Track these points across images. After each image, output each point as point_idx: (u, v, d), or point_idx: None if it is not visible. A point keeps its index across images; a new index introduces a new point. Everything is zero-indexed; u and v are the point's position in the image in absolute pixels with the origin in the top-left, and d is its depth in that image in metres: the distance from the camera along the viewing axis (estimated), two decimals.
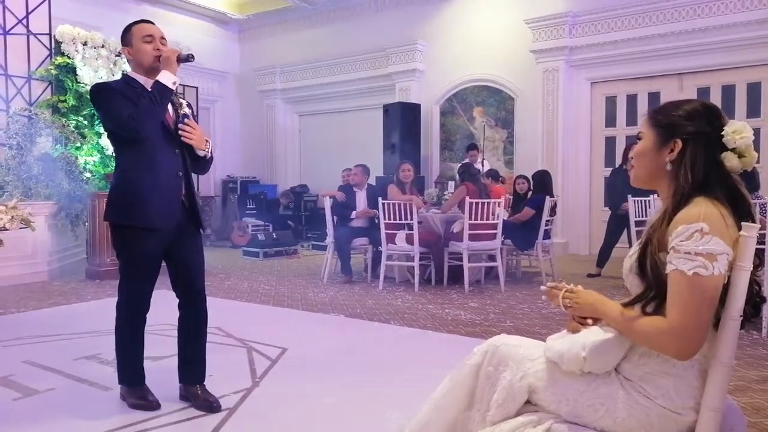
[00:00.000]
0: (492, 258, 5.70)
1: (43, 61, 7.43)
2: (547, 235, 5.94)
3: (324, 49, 10.29)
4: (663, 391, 1.32)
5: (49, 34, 7.40)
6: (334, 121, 10.68)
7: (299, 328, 4.13)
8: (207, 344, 2.73)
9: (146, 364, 2.86)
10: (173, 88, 2.44)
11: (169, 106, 2.52)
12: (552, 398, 1.42)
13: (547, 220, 5.82)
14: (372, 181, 6.86)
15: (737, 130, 1.32)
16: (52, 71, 7.19)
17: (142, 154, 2.41)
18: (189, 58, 2.53)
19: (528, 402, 1.46)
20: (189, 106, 2.63)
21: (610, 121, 8.10)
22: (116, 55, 7.32)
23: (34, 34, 7.47)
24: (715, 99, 7.09)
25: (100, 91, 2.44)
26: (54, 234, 6.43)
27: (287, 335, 3.76)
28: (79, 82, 7.13)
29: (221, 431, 2.32)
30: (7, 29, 7.30)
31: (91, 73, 7.03)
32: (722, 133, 1.33)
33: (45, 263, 6.14)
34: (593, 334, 1.39)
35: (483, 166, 7.62)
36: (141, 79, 2.48)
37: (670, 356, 1.29)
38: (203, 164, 2.62)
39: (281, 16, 10.67)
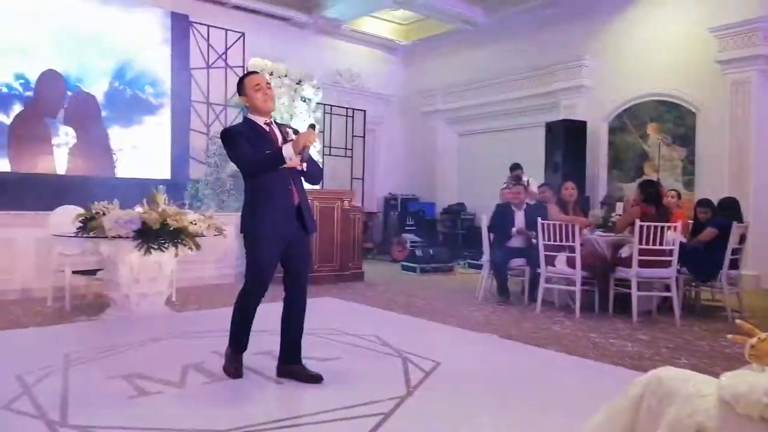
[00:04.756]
0: (666, 287, 5.22)
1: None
2: (734, 265, 5.28)
3: (485, 68, 10.32)
4: None
5: (243, 66, 8.44)
6: (493, 140, 10.62)
7: (453, 344, 4.16)
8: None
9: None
10: (286, 161, 2.88)
11: (279, 136, 3.08)
12: None
13: (734, 249, 5.18)
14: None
15: None
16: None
17: (261, 180, 2.99)
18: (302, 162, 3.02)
19: None
20: (295, 132, 3.13)
21: None
22: (297, 83, 8.09)
23: (231, 67, 8.59)
24: None
25: (229, 137, 3.03)
26: (240, 242, 7.25)
27: (441, 350, 3.81)
28: None
29: None
30: (210, 63, 8.50)
31: (275, 99, 7.85)
32: None
33: (233, 267, 6.95)
34: None
35: (529, 185, 6.89)
36: (258, 119, 3.08)
37: None
38: (309, 177, 3.15)
39: (444, 40, 10.94)
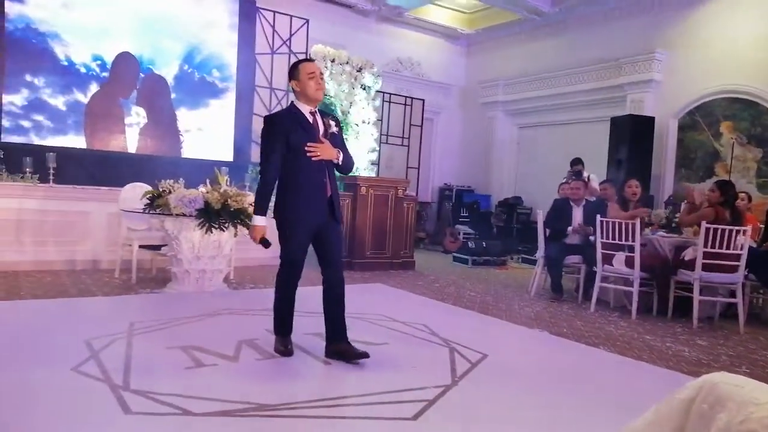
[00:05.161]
0: (731, 293, 4.98)
1: None
2: None
3: (549, 60, 10.06)
4: None
5: (306, 53, 8.57)
6: (554, 134, 10.36)
7: (501, 338, 4.14)
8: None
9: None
10: (254, 221, 3.14)
11: (321, 126, 3.13)
12: None
13: None
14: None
15: None
16: None
17: (297, 166, 3.05)
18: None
19: None
20: (337, 124, 3.22)
21: None
22: (357, 71, 8.14)
23: (294, 53, 8.73)
24: None
25: (269, 125, 3.11)
26: None
27: (489, 342, 3.79)
28: (325, 95, 8.08)
29: (420, 418, 2.46)
30: (274, 49, 8.68)
31: (335, 86, 7.92)
32: None
33: None
34: None
35: (590, 181, 6.90)
36: (303, 108, 3.11)
37: None
38: (342, 168, 3.23)
39: (509, 30, 10.72)
